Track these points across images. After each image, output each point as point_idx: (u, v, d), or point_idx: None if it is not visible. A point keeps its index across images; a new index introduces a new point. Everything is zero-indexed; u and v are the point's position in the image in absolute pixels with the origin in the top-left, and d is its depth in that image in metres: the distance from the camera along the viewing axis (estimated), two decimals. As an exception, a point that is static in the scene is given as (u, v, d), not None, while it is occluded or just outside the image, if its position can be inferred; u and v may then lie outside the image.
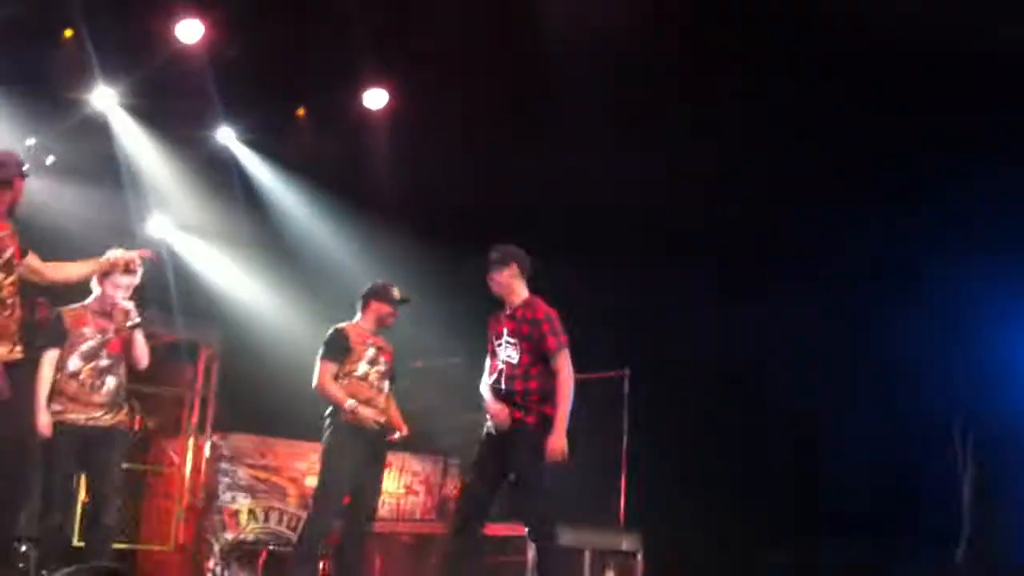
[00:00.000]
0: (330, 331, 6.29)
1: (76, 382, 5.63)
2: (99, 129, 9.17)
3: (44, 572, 5.25)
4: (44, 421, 5.51)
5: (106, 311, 5.70)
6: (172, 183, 9.78)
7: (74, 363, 5.66)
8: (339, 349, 6.17)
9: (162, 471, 9.19)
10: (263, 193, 10.17)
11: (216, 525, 8.20)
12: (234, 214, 9.94)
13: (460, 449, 8.92)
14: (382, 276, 7.32)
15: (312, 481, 8.81)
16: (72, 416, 5.60)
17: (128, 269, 5.72)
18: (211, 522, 8.11)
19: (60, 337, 5.65)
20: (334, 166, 9.81)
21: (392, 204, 9.69)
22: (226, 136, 9.99)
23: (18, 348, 5.34)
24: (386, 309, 6.33)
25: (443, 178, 9.43)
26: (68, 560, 5.21)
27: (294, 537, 8.67)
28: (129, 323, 5.63)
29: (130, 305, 5.68)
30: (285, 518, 8.70)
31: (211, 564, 7.97)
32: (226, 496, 8.46)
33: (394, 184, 9.79)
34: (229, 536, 8.23)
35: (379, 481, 6.53)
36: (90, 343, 5.68)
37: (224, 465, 8.45)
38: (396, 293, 6.39)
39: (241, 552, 8.22)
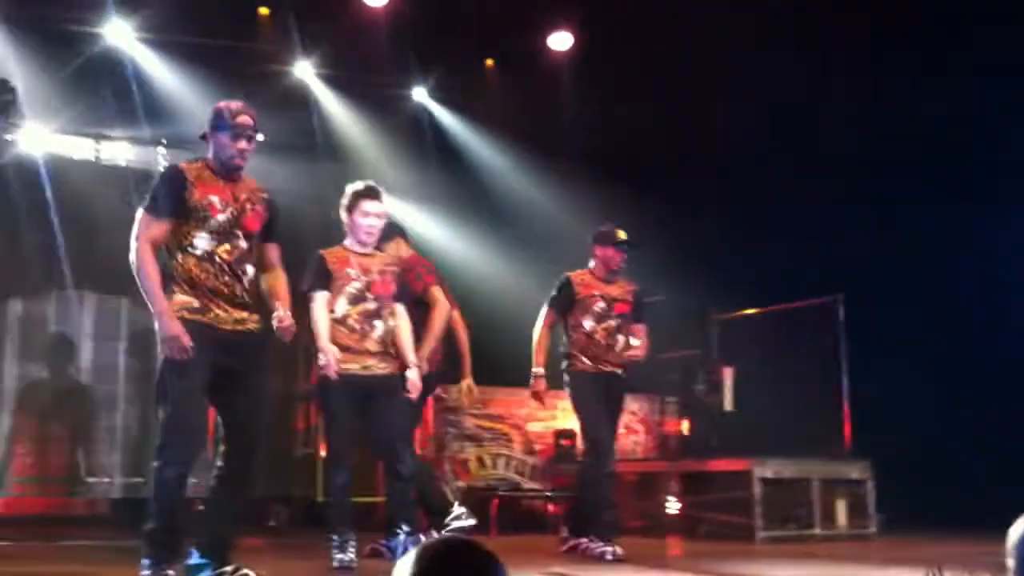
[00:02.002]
0: (560, 279, 6.35)
1: (345, 328, 5.33)
2: (298, 101, 9.46)
3: (335, 536, 5.16)
4: (332, 364, 5.17)
5: (364, 243, 5.43)
6: (370, 147, 10.02)
7: (341, 307, 5.35)
8: (563, 299, 6.28)
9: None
10: (459, 148, 10.31)
11: (447, 474, 8.46)
12: (433, 172, 10.11)
13: (676, 387, 8.93)
14: (582, 221, 7.37)
15: (536, 427, 9.05)
16: (346, 366, 5.27)
17: (370, 193, 5.46)
18: (442, 471, 8.36)
19: (325, 279, 5.34)
20: (526, 115, 9.84)
21: (588, 149, 9.66)
22: (420, 95, 10.18)
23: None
24: (609, 252, 6.29)
25: (633, 120, 9.36)
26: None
27: (523, 482, 8.91)
28: None
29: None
30: (513, 463, 8.92)
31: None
32: (454, 445, 8.71)
33: (587, 128, 9.75)
34: (461, 483, 8.48)
35: (616, 424, 6.40)
36: (355, 285, 5.37)
37: (449, 416, 8.68)
38: (619, 234, 6.30)
39: (473, 499, 8.45)
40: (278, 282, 4.56)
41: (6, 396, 7.41)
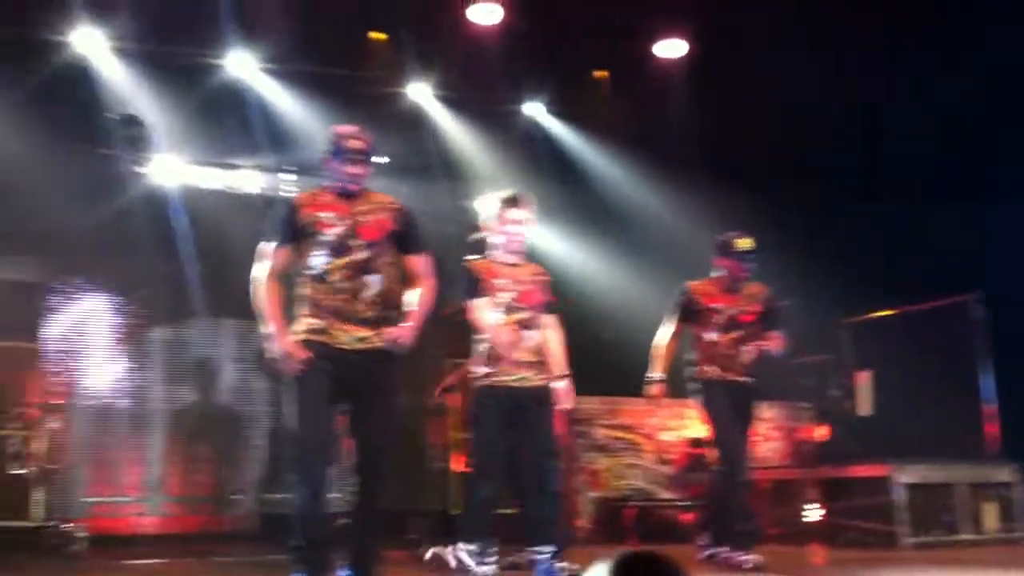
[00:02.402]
0: (679, 289, 6.23)
1: (505, 330, 5.21)
2: (413, 122, 9.61)
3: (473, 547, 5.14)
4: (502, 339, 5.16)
5: (514, 251, 5.36)
6: (485, 164, 10.12)
7: (493, 318, 5.25)
8: (683, 311, 6.16)
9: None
10: (574, 160, 10.34)
11: (581, 484, 8.46)
12: (548, 186, 10.16)
13: (811, 392, 8.80)
14: (702, 228, 7.29)
15: (667, 436, 9.00)
16: (500, 378, 5.24)
17: (515, 201, 5.37)
18: (576, 482, 8.37)
19: (474, 289, 5.27)
20: (639, 123, 9.83)
21: (705, 155, 9.60)
22: (532, 109, 10.24)
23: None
24: (731, 263, 6.16)
25: (750, 123, 9.27)
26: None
27: (656, 492, 8.85)
28: None
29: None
30: (645, 473, 8.89)
31: (582, 522, 8.23)
32: (585, 456, 8.71)
33: (703, 134, 9.69)
34: (594, 494, 8.48)
35: (748, 432, 6.22)
36: (505, 295, 5.29)
37: (579, 427, 8.69)
38: (738, 244, 6.13)
39: (607, 509, 8.45)
40: (414, 295, 4.54)
41: (155, 419, 7.65)
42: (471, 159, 10.10)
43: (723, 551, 5.90)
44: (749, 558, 5.74)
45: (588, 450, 8.74)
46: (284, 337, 4.33)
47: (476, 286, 5.28)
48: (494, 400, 5.21)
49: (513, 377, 5.23)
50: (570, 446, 8.59)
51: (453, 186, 9.87)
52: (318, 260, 4.39)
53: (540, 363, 5.31)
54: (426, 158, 9.67)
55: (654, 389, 6.19)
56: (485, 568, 5.17)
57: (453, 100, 9.85)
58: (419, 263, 4.59)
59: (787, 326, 6.33)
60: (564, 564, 5.22)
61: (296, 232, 4.42)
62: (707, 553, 6.02)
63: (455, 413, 8.05)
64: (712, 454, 6.14)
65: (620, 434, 8.86)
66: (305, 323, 4.40)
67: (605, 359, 6.69)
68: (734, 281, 6.16)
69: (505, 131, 10.07)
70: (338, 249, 4.39)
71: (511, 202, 5.35)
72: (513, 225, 5.32)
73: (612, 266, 9.69)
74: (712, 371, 6.09)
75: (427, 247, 4.65)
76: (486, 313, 5.23)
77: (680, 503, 8.66)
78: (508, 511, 5.49)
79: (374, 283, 4.42)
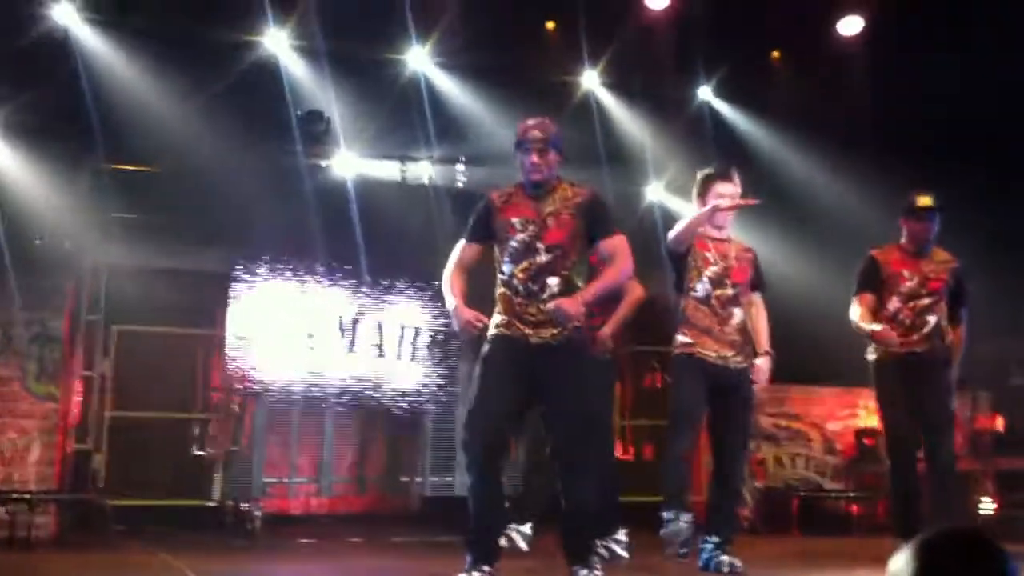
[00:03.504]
0: (864, 258, 5.81)
1: (706, 308, 5.20)
2: (587, 111, 9.65)
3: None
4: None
5: (721, 224, 5.29)
6: (660, 149, 10.07)
7: (703, 287, 5.23)
8: (868, 279, 5.70)
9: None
10: (747, 144, 10.17)
11: (746, 474, 8.36)
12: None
13: (989, 379, 8.43)
14: (878, 208, 7.02)
15: (835, 426, 8.79)
16: (701, 351, 5.18)
17: (723, 175, 5.27)
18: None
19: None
20: (816, 105, 9.58)
21: (884, 134, 9.29)
22: (705, 93, 10.13)
23: None
24: (911, 223, 5.69)
25: (929, 103, 8.91)
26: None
27: (823, 482, 8.67)
28: None
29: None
30: (812, 463, 8.71)
31: (746, 512, 8.15)
32: (750, 445, 8.59)
33: (882, 113, 9.38)
34: (759, 484, 8.38)
35: (928, 412, 5.62)
36: (713, 268, 5.25)
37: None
38: (918, 201, 5.68)
39: (772, 499, 8.34)
40: (602, 274, 4.54)
41: (331, 403, 7.94)
42: (643, 146, 10.08)
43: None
44: None
45: (754, 439, 8.62)
46: (462, 308, 4.47)
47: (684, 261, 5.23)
48: (696, 371, 5.16)
49: (714, 354, 5.19)
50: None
51: (625, 173, 9.87)
52: (506, 266, 4.53)
53: (743, 343, 5.26)
54: (598, 146, 9.69)
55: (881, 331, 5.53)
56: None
57: (625, 87, 9.83)
58: (609, 245, 4.54)
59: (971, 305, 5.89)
60: (726, 557, 5.17)
61: (489, 233, 4.58)
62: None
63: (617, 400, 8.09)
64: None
65: (786, 423, 8.71)
66: (494, 319, 4.54)
67: (773, 346, 6.53)
68: (918, 245, 5.70)
69: (677, 117, 10.00)
70: (521, 254, 4.48)
71: (719, 176, 5.29)
72: (717, 198, 5.21)
73: (785, 251, 9.47)
74: (886, 350, 5.62)
75: (619, 229, 4.63)
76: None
77: (848, 494, 8.45)
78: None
79: (554, 286, 4.45)
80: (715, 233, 5.29)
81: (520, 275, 4.47)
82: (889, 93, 9.27)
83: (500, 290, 4.55)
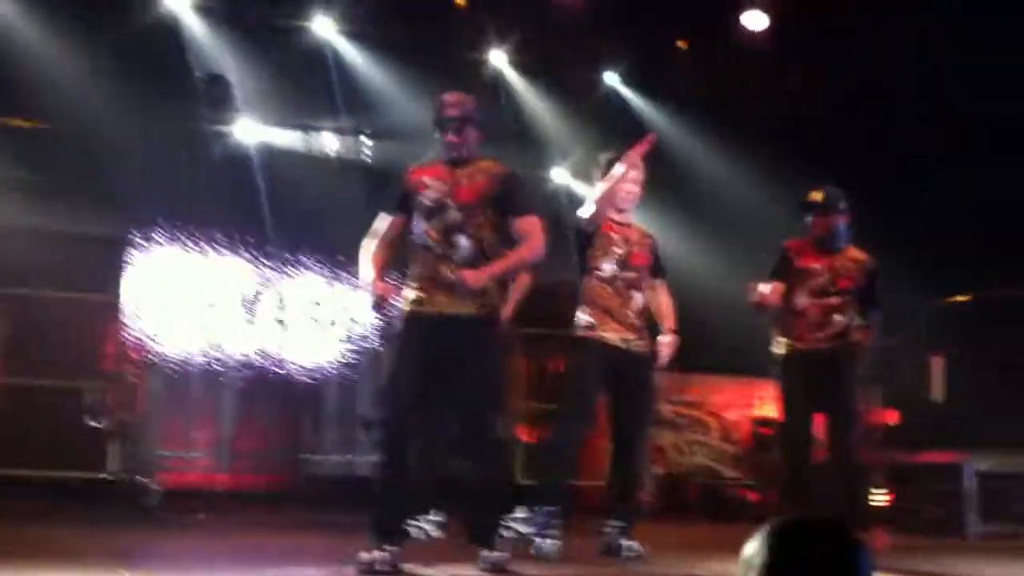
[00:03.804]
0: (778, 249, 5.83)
1: (611, 289, 5.21)
2: (491, 90, 9.59)
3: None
4: None
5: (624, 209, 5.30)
6: (565, 133, 10.08)
7: (609, 267, 5.23)
8: (780, 271, 5.71)
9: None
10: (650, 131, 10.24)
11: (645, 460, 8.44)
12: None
13: (881, 376, 8.64)
14: (780, 201, 7.13)
15: (733, 414, 8.94)
16: (602, 333, 5.20)
17: (632, 164, 5.20)
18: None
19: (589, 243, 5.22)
20: (720, 95, 9.70)
21: (785, 127, 9.45)
22: (611, 79, 10.18)
23: None
24: (816, 218, 5.72)
25: (829, 95, 9.11)
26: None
27: (721, 470, 8.81)
28: None
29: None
30: (710, 451, 8.84)
31: (646, 497, 8.21)
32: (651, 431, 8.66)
33: (784, 106, 9.55)
34: (659, 470, 8.47)
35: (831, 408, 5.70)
36: (617, 250, 5.25)
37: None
38: (811, 197, 5.74)
39: (671, 486, 8.44)
40: (513, 251, 4.53)
41: (229, 376, 7.73)
42: (548, 128, 10.08)
43: None
44: None
45: (654, 425, 8.69)
46: (378, 282, 4.45)
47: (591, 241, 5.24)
48: (596, 354, 5.16)
49: (616, 336, 5.19)
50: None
51: (531, 156, 9.86)
52: (418, 226, 4.49)
53: (644, 328, 5.29)
54: (502, 127, 9.65)
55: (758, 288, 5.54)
56: (549, 543, 5.07)
57: (532, 68, 9.82)
58: (523, 224, 4.54)
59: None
60: (628, 542, 5.21)
61: (405, 200, 4.54)
62: None
63: (519, 381, 8.09)
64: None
65: (686, 411, 8.83)
66: (406, 295, 4.50)
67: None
68: (822, 241, 5.72)
69: (583, 101, 10.02)
70: (433, 212, 4.45)
71: (620, 160, 5.27)
72: (630, 184, 5.27)
73: (687, 240, 9.59)
74: (787, 344, 5.71)
75: (535, 211, 4.64)
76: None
77: (746, 482, 8.61)
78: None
79: (464, 246, 4.43)
80: (618, 217, 5.32)
81: (433, 233, 4.46)
82: (792, 85, 9.46)
83: (413, 255, 4.51)
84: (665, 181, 9.93)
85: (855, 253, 5.79)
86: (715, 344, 8.43)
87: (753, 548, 1.64)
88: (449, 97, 4.59)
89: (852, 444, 5.69)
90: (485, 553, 4.39)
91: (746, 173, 9.58)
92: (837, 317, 5.66)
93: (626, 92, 10.30)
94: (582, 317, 5.24)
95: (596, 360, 5.17)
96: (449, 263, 4.42)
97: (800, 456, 5.69)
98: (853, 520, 5.41)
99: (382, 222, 4.61)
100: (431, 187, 4.50)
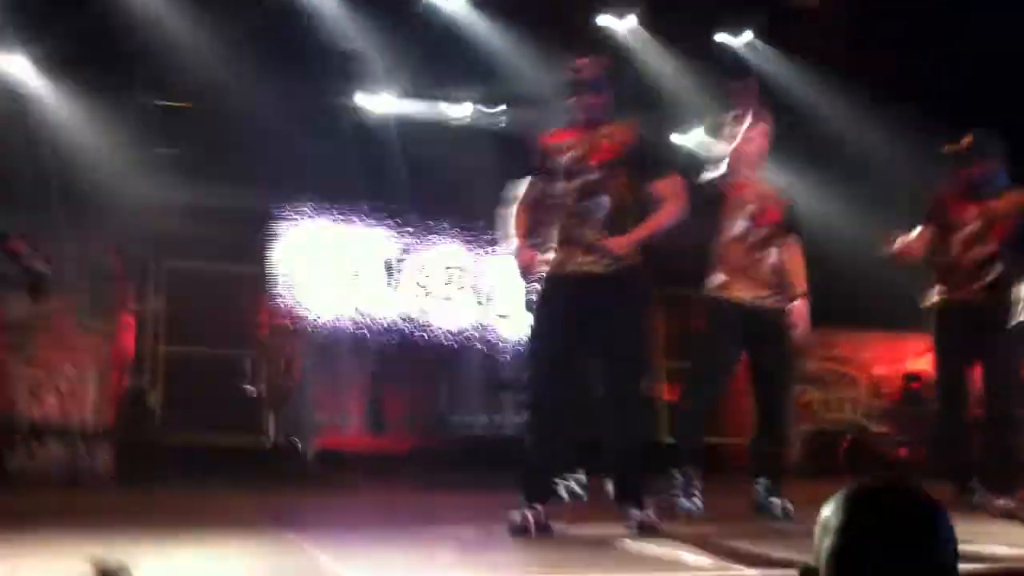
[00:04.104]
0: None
1: (741, 247, 5.11)
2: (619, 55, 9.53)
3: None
4: None
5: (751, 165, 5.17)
6: (697, 95, 9.94)
7: (740, 225, 5.11)
8: (930, 214, 5.54)
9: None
10: (786, 91, 10.04)
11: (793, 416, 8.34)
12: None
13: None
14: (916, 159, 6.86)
15: (882, 369, 8.75)
16: (736, 293, 5.09)
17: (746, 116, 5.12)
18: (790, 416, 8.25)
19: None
20: (849, 50, 9.44)
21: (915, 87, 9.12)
22: (740, 39, 10.01)
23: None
24: (961, 166, 5.51)
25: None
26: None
27: (870, 425, 8.64)
28: None
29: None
30: (859, 407, 8.69)
31: (793, 454, 8.13)
32: (797, 388, 8.53)
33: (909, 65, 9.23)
34: (806, 427, 8.38)
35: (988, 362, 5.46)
36: (750, 208, 5.13)
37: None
38: (957, 145, 5.51)
39: (820, 442, 8.34)
40: (654, 214, 4.52)
41: (378, 343, 7.91)
42: (679, 91, 9.96)
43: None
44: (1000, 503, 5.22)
45: (801, 382, 8.56)
46: (523, 250, 4.49)
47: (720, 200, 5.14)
48: (728, 314, 5.05)
49: (750, 296, 5.08)
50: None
51: (663, 119, 9.77)
52: (558, 184, 4.50)
53: (778, 285, 5.14)
54: (630, 90, 9.58)
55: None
56: (694, 501, 5.02)
57: (661, 31, 9.72)
58: (663, 186, 4.54)
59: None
60: (778, 500, 5.14)
61: (542, 163, 4.57)
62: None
63: (660, 340, 8.10)
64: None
65: (834, 366, 8.67)
66: (548, 255, 4.52)
67: (820, 290, 6.46)
68: (974, 187, 5.48)
69: (711, 62, 9.87)
70: (572, 172, 4.48)
71: (743, 117, 5.15)
72: (757, 140, 5.14)
73: (825, 199, 9.38)
74: (942, 294, 5.52)
75: (676, 172, 4.65)
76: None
77: (895, 438, 8.44)
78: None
79: (605, 205, 4.45)
80: (749, 175, 5.20)
81: (572, 193, 4.48)
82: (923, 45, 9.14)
83: (553, 213, 4.53)
84: (801, 141, 9.79)
85: (1014, 197, 5.49)
86: (864, 299, 8.25)
87: (829, 510, 1.63)
88: (580, 61, 4.60)
89: (1009, 398, 5.44)
90: (634, 512, 4.40)
91: (882, 130, 9.30)
92: (991, 267, 5.43)
93: (758, 51, 10.09)
94: (715, 276, 5.12)
95: (728, 319, 5.04)
96: (588, 223, 4.45)
97: (955, 410, 5.54)
98: (1009, 475, 5.33)
99: (520, 186, 4.65)
100: (569, 148, 4.53)
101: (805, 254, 5.69)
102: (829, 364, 8.66)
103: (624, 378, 4.54)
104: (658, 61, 9.82)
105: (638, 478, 4.54)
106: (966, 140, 5.53)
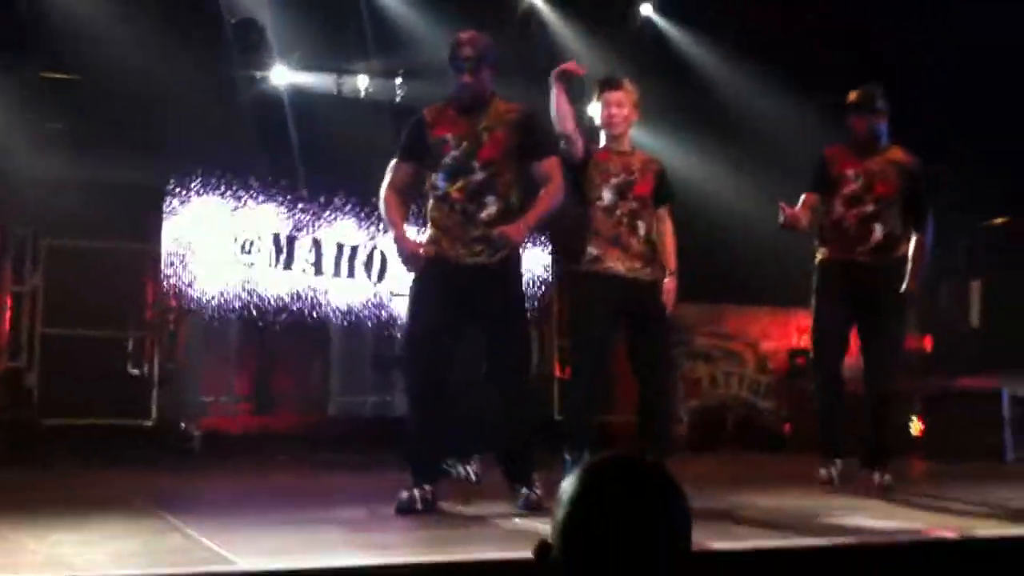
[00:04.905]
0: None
1: (611, 219, 4.99)
2: (524, 24, 9.52)
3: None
4: None
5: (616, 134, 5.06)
6: (596, 66, 9.96)
7: (608, 196, 4.99)
8: (816, 179, 5.46)
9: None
10: (685, 61, 10.13)
11: (679, 393, 8.46)
12: (657, 87, 9.98)
13: (917, 300, 8.58)
14: (812, 128, 6.94)
15: (769, 345, 8.90)
16: (610, 264, 5.00)
17: (609, 83, 5.06)
18: (675, 391, 8.36)
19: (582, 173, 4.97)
20: (752, 21, 9.54)
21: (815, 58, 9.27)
22: (646, 10, 10.08)
23: None
24: (851, 120, 5.42)
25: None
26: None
27: (757, 401, 8.81)
28: None
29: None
30: (746, 383, 8.83)
31: (681, 430, 8.27)
32: (685, 364, 8.66)
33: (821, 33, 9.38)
34: (693, 402, 8.51)
35: (874, 329, 5.41)
36: (615, 180, 5.00)
37: (678, 335, 8.65)
38: (851, 96, 5.39)
39: (707, 418, 8.48)
40: (540, 196, 4.54)
41: (265, 322, 7.84)
42: (582, 61, 9.97)
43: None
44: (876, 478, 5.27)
45: (688, 357, 8.67)
46: (405, 240, 4.50)
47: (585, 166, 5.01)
48: (603, 287, 4.96)
49: (624, 268, 4.99)
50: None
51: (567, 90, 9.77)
52: (440, 183, 4.50)
53: (651, 257, 5.07)
54: (533, 61, 9.58)
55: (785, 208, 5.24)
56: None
57: (565, 1, 9.73)
58: (545, 166, 4.55)
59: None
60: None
61: (423, 151, 4.54)
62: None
63: (553, 317, 8.15)
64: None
65: (721, 342, 8.80)
66: (427, 237, 4.56)
67: (707, 265, 6.56)
68: (862, 143, 5.40)
69: (617, 32, 9.91)
70: (456, 172, 4.47)
71: (607, 84, 5.11)
72: (612, 107, 5.03)
73: (717, 170, 9.48)
74: (828, 253, 5.44)
75: (554, 151, 4.65)
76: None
77: (781, 413, 8.61)
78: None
79: (491, 204, 4.46)
80: (614, 144, 5.10)
81: (456, 193, 4.47)
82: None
83: (434, 207, 4.54)
84: (698, 112, 9.89)
85: (897, 154, 5.44)
86: (752, 275, 8.41)
87: (568, 483, 1.64)
88: (464, 35, 4.54)
89: (892, 373, 5.45)
90: (523, 491, 4.46)
91: (778, 103, 9.43)
92: (876, 226, 5.33)
93: (661, 22, 10.16)
94: (588, 250, 5.02)
95: (602, 293, 4.96)
96: (475, 222, 4.45)
97: (831, 370, 5.42)
98: (884, 446, 5.40)
99: (394, 169, 4.61)
100: (452, 144, 4.48)
101: (693, 227, 5.71)
102: (716, 340, 8.78)
103: (511, 360, 4.59)
104: (564, 30, 9.83)
105: (525, 456, 4.59)
106: (855, 93, 5.44)
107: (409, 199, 4.75)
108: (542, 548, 1.64)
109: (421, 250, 4.51)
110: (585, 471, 1.62)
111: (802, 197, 5.42)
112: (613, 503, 1.58)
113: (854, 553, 3.60)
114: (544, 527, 3.83)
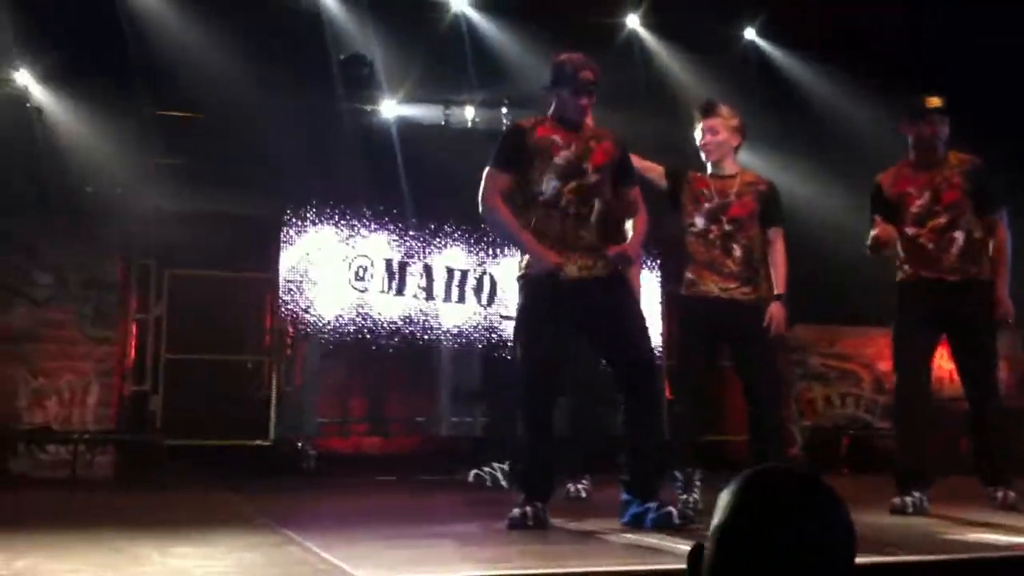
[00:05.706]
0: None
1: (704, 243, 5.04)
2: (627, 51, 9.55)
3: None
4: None
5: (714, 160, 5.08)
6: (699, 92, 9.94)
7: (701, 221, 5.05)
8: (877, 207, 5.27)
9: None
10: (790, 84, 10.03)
11: (794, 414, 8.35)
12: (762, 111, 9.91)
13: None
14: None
15: (885, 365, 8.70)
16: (703, 288, 5.02)
17: (707, 109, 5.09)
18: (789, 411, 8.24)
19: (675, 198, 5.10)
20: (863, 43, 9.41)
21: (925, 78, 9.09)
22: (749, 34, 10.02)
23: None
24: (917, 128, 5.20)
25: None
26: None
27: (873, 421, 8.64)
28: None
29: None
30: (862, 403, 8.68)
31: (794, 451, 8.15)
32: (800, 384, 8.56)
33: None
34: (807, 423, 8.38)
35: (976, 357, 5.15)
36: (707, 205, 5.03)
37: (794, 356, 8.56)
38: (925, 102, 5.17)
39: (821, 438, 8.33)
40: (635, 224, 4.58)
41: (380, 345, 7.96)
42: (684, 88, 9.96)
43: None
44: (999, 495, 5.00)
45: (804, 378, 8.59)
46: (534, 243, 4.38)
47: (677, 195, 5.07)
48: (699, 309, 4.99)
49: (717, 289, 4.99)
50: (785, 374, 8.49)
51: (665, 117, 9.78)
52: (551, 183, 4.41)
53: (750, 277, 5.03)
54: (637, 88, 9.60)
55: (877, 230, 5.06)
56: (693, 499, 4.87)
57: (668, 28, 9.73)
58: (635, 193, 4.60)
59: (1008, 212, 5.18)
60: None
61: (524, 157, 4.43)
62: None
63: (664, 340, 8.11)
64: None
65: (837, 363, 8.67)
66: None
67: (822, 287, 6.44)
68: (924, 154, 5.17)
69: (720, 58, 9.87)
70: (569, 173, 4.42)
71: (703, 111, 5.10)
72: (707, 134, 5.04)
73: (829, 192, 9.35)
74: (906, 271, 5.19)
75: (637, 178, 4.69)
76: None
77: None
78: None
79: (599, 210, 4.45)
80: (716, 170, 5.10)
81: (568, 194, 4.43)
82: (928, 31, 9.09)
83: (540, 212, 4.43)
84: (807, 136, 9.77)
85: (956, 158, 5.21)
86: (867, 294, 8.23)
87: (726, 491, 1.63)
88: (580, 58, 4.50)
89: (992, 386, 5.13)
90: (649, 505, 4.33)
91: (889, 126, 9.24)
92: (956, 234, 5.09)
93: (765, 45, 10.09)
94: (686, 275, 5.07)
95: (700, 315, 4.98)
96: (585, 225, 4.43)
97: (913, 395, 5.10)
98: (997, 472, 5.09)
99: (495, 179, 4.45)
100: (562, 146, 4.46)
101: (805, 248, 5.61)
102: (832, 360, 8.65)
103: (643, 378, 4.49)
104: (665, 57, 9.83)
105: (651, 473, 4.52)
106: (936, 99, 5.21)
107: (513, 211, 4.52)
108: (695, 552, 1.63)
109: (554, 255, 4.37)
110: (746, 480, 1.60)
111: (875, 219, 5.21)
112: (770, 509, 1.57)
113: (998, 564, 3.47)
114: (657, 542, 3.88)
